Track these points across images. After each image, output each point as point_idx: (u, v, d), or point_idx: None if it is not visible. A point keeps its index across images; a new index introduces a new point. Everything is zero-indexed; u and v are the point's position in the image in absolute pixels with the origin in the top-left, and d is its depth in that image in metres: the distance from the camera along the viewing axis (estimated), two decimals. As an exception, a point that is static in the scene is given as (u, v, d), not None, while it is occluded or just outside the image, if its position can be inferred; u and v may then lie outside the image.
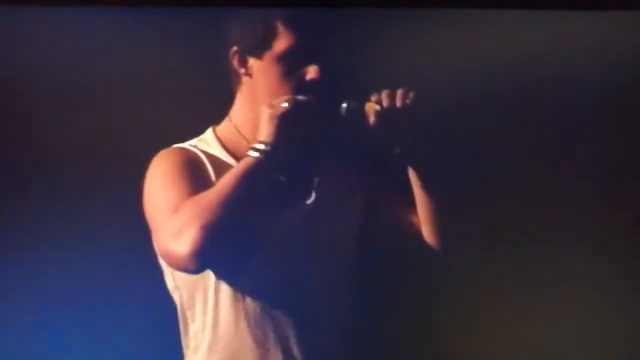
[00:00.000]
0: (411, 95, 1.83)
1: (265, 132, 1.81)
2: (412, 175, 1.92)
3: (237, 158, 1.91)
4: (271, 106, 1.80)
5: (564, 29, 2.47)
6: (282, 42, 1.87)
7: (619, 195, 2.51)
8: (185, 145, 1.97)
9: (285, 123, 1.81)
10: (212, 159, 1.93)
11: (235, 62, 1.93)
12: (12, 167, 2.40)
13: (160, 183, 1.88)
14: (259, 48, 1.88)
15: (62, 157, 2.39)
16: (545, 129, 2.49)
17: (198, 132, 2.19)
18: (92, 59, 2.40)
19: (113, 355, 2.34)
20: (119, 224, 2.36)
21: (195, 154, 1.94)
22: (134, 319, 2.24)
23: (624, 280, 2.52)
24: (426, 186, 1.91)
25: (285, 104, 1.81)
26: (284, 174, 1.93)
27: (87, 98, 2.40)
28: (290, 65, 1.87)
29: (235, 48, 1.94)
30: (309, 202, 1.96)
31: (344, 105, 1.89)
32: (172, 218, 1.82)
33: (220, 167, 1.92)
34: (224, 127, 1.98)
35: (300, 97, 1.81)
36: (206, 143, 1.97)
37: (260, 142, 1.82)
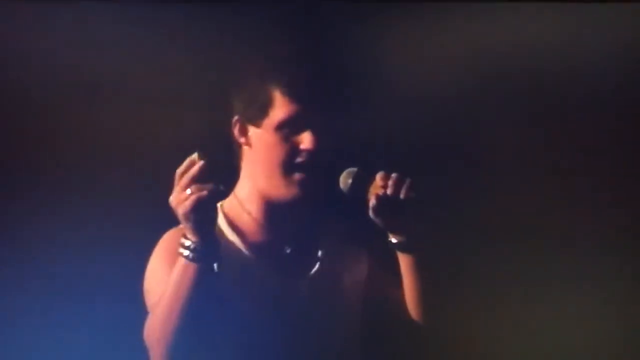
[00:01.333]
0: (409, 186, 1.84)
1: (185, 229, 1.80)
2: (401, 259, 1.94)
3: (241, 233, 1.93)
4: (176, 205, 1.78)
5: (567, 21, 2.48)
6: (279, 111, 1.88)
7: (623, 194, 2.52)
8: None
9: (196, 216, 1.78)
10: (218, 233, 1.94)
11: (236, 131, 1.93)
12: (14, 166, 2.41)
13: (151, 273, 1.91)
14: (258, 116, 1.89)
15: (65, 157, 2.40)
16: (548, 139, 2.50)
17: (198, 131, 2.18)
18: (93, 59, 2.41)
19: (114, 355, 2.35)
20: (120, 223, 2.36)
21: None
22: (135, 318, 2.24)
23: (623, 280, 2.53)
24: (415, 275, 1.93)
25: (188, 202, 1.78)
26: (288, 245, 1.97)
27: (90, 97, 2.41)
28: (286, 133, 1.87)
29: (236, 117, 1.95)
30: (313, 272, 1.98)
31: (349, 180, 1.88)
32: (145, 328, 1.86)
33: (225, 244, 1.93)
34: (229, 202, 1.99)
35: (202, 187, 1.78)
36: None
37: (186, 239, 1.81)
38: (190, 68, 2.40)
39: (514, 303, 2.49)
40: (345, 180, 1.89)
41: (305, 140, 1.86)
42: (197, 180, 1.77)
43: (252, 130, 1.91)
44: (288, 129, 1.86)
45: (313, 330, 1.95)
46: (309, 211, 1.95)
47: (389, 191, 1.83)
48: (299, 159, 1.87)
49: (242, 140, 1.93)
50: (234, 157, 1.98)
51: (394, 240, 1.88)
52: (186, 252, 1.79)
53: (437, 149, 2.46)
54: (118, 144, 2.43)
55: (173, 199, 1.79)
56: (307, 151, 1.86)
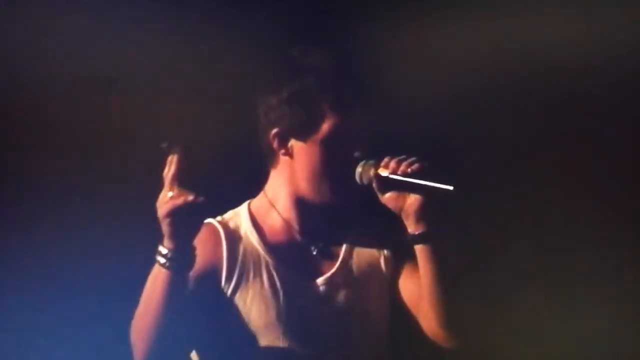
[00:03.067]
0: (417, 165, 1.84)
1: (165, 235, 1.79)
2: (418, 253, 1.93)
3: (266, 232, 1.93)
4: (157, 207, 1.77)
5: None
6: (328, 126, 1.87)
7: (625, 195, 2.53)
8: (214, 221, 1.96)
9: (171, 222, 1.77)
10: (233, 234, 1.93)
11: (274, 144, 1.91)
12: (15, 166, 2.42)
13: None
14: (305, 132, 1.88)
15: (67, 157, 2.41)
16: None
17: (201, 132, 2.19)
18: (101, 58, 2.42)
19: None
20: (123, 223, 2.37)
21: (214, 230, 1.93)
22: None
23: (624, 280, 2.54)
24: (432, 268, 1.93)
25: (164, 206, 1.77)
26: (314, 245, 1.97)
27: (98, 95, 2.42)
28: (335, 145, 1.87)
29: (276, 130, 1.93)
30: (334, 271, 1.97)
31: (359, 169, 1.89)
32: None
33: (243, 242, 1.92)
34: (258, 201, 1.98)
35: (181, 193, 1.77)
36: (237, 218, 1.97)
37: (162, 245, 1.80)
38: (201, 68, 2.42)
39: (515, 311, 2.51)
40: (357, 171, 1.89)
41: (355, 149, 1.86)
42: (178, 180, 1.73)
43: (294, 142, 1.90)
44: (337, 142, 1.85)
45: (332, 332, 1.95)
46: (339, 214, 1.95)
47: (390, 170, 1.84)
48: (345, 167, 1.87)
49: (282, 151, 1.92)
50: (267, 162, 1.96)
51: (409, 231, 1.88)
52: (159, 258, 1.76)
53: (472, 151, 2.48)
54: (120, 144, 2.44)
55: (158, 201, 1.76)
56: (356, 159, 1.86)
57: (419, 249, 1.90)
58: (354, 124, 1.89)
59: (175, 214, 1.73)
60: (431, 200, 1.87)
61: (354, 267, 2.00)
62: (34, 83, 2.40)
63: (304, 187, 1.90)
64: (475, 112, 2.58)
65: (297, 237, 1.95)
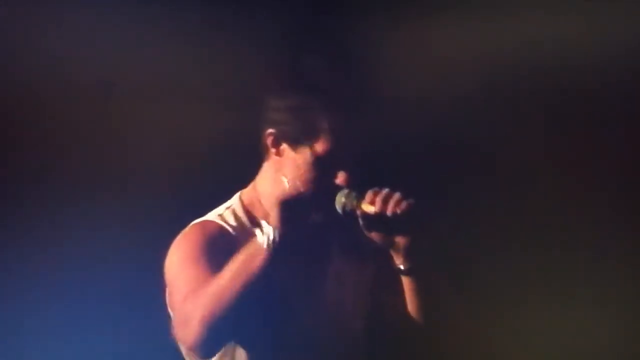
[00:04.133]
0: (404, 204, 1.84)
1: (274, 216, 1.83)
2: (403, 280, 1.95)
3: (257, 224, 1.94)
4: (280, 190, 1.82)
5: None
6: (322, 146, 1.88)
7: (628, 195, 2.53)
8: (213, 217, 1.98)
9: (291, 210, 1.81)
10: (236, 228, 1.95)
11: (268, 142, 1.93)
12: (17, 167, 2.42)
13: (178, 265, 1.91)
14: (298, 142, 1.89)
15: (69, 157, 2.42)
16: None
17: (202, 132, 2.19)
18: (103, 60, 2.42)
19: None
20: (124, 225, 2.38)
21: (219, 228, 1.95)
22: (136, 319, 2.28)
23: (624, 280, 2.54)
24: (416, 296, 1.94)
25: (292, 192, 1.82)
26: (300, 246, 1.98)
27: (100, 98, 2.42)
28: (321, 165, 1.88)
29: (271, 130, 1.95)
30: (321, 272, 1.99)
31: (342, 199, 1.90)
32: (181, 306, 1.87)
33: (245, 234, 1.94)
34: (249, 192, 2.00)
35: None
36: (233, 211, 1.99)
37: (272, 228, 1.83)
38: (203, 69, 2.42)
39: (516, 313, 2.51)
40: (339, 200, 1.89)
41: (340, 177, 1.87)
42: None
43: (286, 147, 1.92)
44: (325, 163, 1.87)
45: (316, 329, 1.96)
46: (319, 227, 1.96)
47: (377, 208, 1.84)
48: (325, 190, 1.88)
49: (273, 151, 1.94)
50: (261, 153, 1.98)
51: (395, 262, 1.90)
52: (263, 239, 1.80)
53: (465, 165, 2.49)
54: (121, 144, 2.45)
55: (273, 183, 1.91)
56: (338, 186, 1.87)
57: (405, 279, 1.93)
58: (345, 150, 1.90)
59: (295, 199, 1.82)
60: (420, 238, 1.88)
61: (335, 275, 2.02)
62: (34, 85, 2.41)
63: (287, 192, 1.92)
64: (476, 112, 2.58)
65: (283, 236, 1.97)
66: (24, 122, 2.44)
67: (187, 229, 1.96)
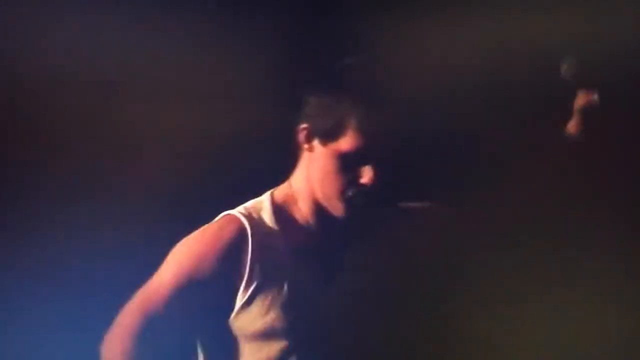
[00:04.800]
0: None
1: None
2: None
3: (286, 226, 1.94)
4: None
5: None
6: (347, 142, 1.89)
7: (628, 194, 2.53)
8: (238, 214, 1.97)
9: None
10: (258, 231, 1.95)
11: (301, 137, 1.94)
12: (18, 167, 2.42)
13: (186, 255, 1.92)
14: (326, 137, 1.90)
15: (69, 158, 2.41)
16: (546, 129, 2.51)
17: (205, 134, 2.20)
18: (105, 58, 2.42)
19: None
20: (125, 225, 2.37)
21: (242, 231, 1.94)
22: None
23: (625, 281, 2.54)
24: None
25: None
26: (334, 246, 1.99)
27: (100, 97, 2.42)
28: (348, 163, 1.89)
29: (304, 125, 1.95)
30: (349, 278, 2.00)
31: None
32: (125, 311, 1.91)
33: (265, 236, 1.94)
34: (283, 190, 2.00)
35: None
36: (260, 210, 1.98)
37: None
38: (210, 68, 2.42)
39: (514, 307, 2.51)
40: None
41: (366, 175, 1.88)
42: None
43: (316, 143, 1.93)
44: (351, 160, 1.88)
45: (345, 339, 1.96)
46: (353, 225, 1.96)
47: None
48: (354, 189, 1.88)
49: (306, 146, 1.95)
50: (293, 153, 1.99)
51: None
52: None
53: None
54: (123, 145, 2.44)
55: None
56: (365, 185, 1.88)
57: None
58: (373, 147, 1.91)
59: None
60: None
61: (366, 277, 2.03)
62: (34, 85, 2.41)
63: (318, 191, 1.92)
64: (478, 112, 2.58)
65: (317, 237, 1.97)
66: (21, 122, 2.44)
67: (213, 226, 1.95)
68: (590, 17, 2.50)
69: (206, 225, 1.93)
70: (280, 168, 2.06)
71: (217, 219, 1.95)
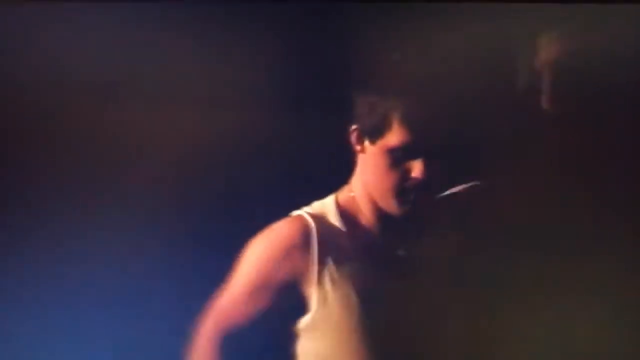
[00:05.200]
0: None
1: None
2: None
3: (352, 227, 1.95)
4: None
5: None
6: (394, 137, 1.91)
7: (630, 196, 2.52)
8: (305, 214, 1.98)
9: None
10: (324, 231, 1.96)
11: (352, 139, 1.96)
12: (19, 168, 2.42)
13: (254, 264, 1.93)
14: (373, 135, 1.92)
15: (70, 158, 2.41)
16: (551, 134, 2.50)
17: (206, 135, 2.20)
18: (104, 57, 2.41)
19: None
20: (125, 227, 2.37)
21: (307, 231, 1.95)
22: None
23: (625, 281, 2.54)
24: None
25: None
26: (401, 248, 1.99)
27: (102, 99, 2.41)
28: (397, 158, 1.90)
29: (355, 126, 1.97)
30: (409, 281, 2.00)
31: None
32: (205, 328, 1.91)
33: (332, 237, 1.95)
34: (345, 195, 2.01)
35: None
36: (326, 212, 2.00)
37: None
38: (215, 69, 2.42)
39: (516, 312, 2.51)
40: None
41: (416, 168, 1.89)
42: None
43: (367, 144, 1.94)
44: (400, 155, 1.89)
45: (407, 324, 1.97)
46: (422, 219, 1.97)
47: None
48: (407, 184, 1.90)
49: (358, 148, 1.96)
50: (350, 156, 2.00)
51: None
52: None
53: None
54: (124, 146, 2.44)
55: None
56: (416, 179, 1.89)
57: None
58: (421, 140, 1.92)
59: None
60: None
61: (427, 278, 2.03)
62: (34, 86, 2.41)
63: (374, 192, 1.94)
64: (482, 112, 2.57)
65: (382, 238, 1.98)
66: (21, 123, 2.44)
67: (277, 227, 1.95)
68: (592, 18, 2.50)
69: (270, 228, 1.95)
70: (336, 170, 2.07)
71: (282, 220, 1.97)
